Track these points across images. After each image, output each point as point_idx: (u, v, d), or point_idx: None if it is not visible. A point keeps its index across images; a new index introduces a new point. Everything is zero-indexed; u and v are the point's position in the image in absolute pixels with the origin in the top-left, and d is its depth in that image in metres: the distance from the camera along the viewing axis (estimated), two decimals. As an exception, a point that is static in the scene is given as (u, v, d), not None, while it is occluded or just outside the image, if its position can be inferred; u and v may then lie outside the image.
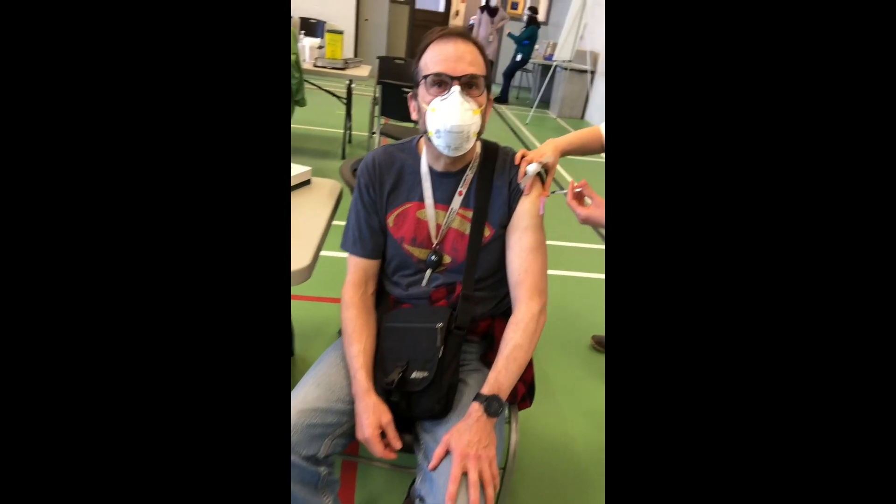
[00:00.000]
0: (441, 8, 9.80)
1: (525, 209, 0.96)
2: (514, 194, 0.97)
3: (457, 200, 0.97)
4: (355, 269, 1.02)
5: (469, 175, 0.97)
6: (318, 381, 0.92)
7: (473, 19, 7.28)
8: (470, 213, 0.97)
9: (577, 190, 0.94)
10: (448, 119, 0.87)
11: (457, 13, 9.84)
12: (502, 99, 7.00)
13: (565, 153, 1.09)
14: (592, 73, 6.37)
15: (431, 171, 0.97)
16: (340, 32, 3.52)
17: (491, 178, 0.98)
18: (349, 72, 3.40)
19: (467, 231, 0.97)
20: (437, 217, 0.97)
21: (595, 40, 6.42)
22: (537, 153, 0.99)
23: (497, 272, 1.00)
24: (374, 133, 4.07)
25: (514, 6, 9.55)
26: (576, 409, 1.68)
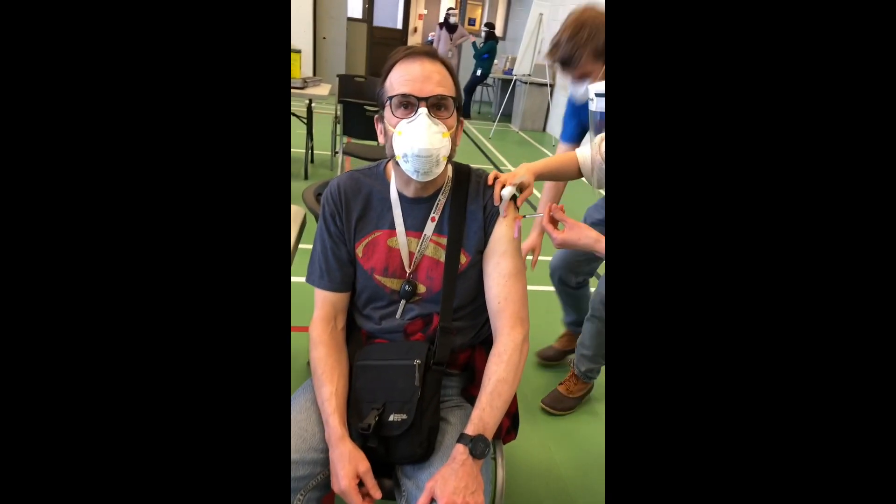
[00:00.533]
0: (399, 25, 9.84)
1: (501, 233, 0.92)
2: (490, 218, 0.93)
3: (430, 227, 0.91)
4: (323, 304, 0.95)
5: (441, 200, 0.92)
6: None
7: (432, 36, 7.32)
8: (444, 240, 0.91)
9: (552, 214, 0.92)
10: (416, 142, 0.82)
11: (415, 30, 9.90)
12: (464, 114, 7.03)
13: (539, 176, 1.06)
14: (552, 86, 6.48)
15: (401, 196, 0.92)
16: (298, 51, 3.45)
17: (465, 202, 0.93)
18: (309, 91, 3.33)
19: (442, 258, 0.91)
20: (410, 245, 0.92)
21: (552, 54, 6.54)
22: (511, 175, 0.95)
23: (475, 300, 0.95)
24: (337, 152, 3.99)
25: (472, 22, 9.68)
26: (557, 431, 1.63)
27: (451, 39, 6.89)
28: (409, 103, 0.83)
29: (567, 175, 1.17)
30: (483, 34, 6.92)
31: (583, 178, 1.17)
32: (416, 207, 0.92)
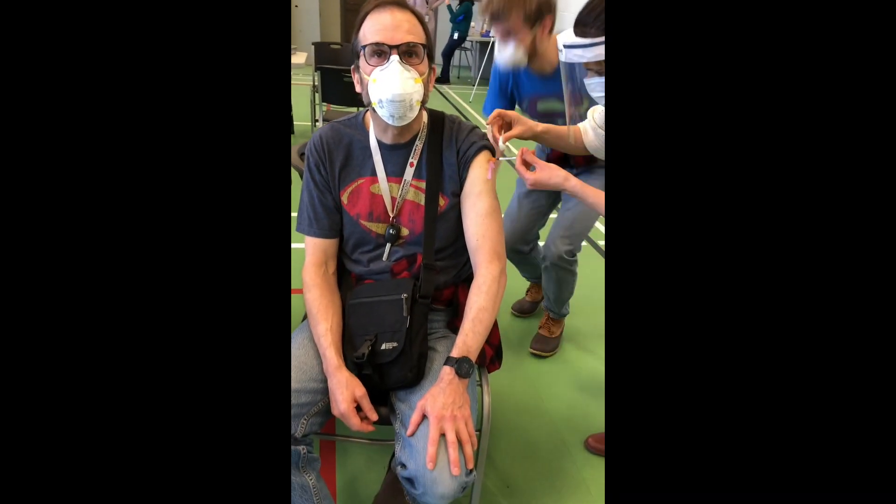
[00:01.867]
0: (373, -10, 9.61)
1: (476, 175, 0.98)
2: (464, 163, 0.99)
3: (409, 172, 0.97)
4: (314, 250, 1.01)
5: (419, 145, 0.98)
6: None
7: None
8: (423, 184, 0.98)
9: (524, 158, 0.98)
10: (389, 88, 0.87)
11: (389, -5, 9.68)
12: (444, 79, 6.97)
13: (539, 135, 1.12)
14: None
15: (380, 144, 0.97)
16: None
17: (440, 147, 0.99)
18: (285, 59, 3.30)
19: (422, 202, 0.98)
20: (392, 190, 0.98)
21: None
22: (512, 133, 1.02)
23: (456, 241, 1.01)
24: (317, 121, 3.98)
25: (447, -15, 9.47)
26: (544, 370, 1.73)
27: (426, 2, 6.79)
28: (381, 52, 0.88)
29: (566, 145, 1.17)
30: (459, -4, 6.82)
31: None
32: (395, 154, 0.98)
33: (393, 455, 1.20)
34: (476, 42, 7.47)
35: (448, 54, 6.97)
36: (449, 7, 6.81)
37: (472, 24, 6.98)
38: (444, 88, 6.68)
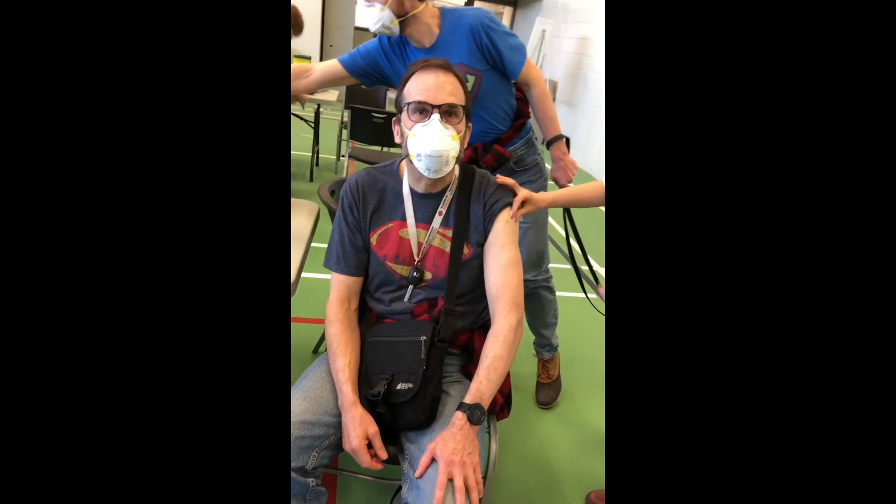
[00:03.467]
0: (405, 35, 10.01)
1: (500, 228, 1.03)
2: (490, 216, 1.04)
3: (437, 220, 1.02)
4: (339, 286, 1.05)
5: (448, 196, 1.03)
6: (305, 395, 0.95)
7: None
8: (450, 232, 1.02)
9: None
10: (428, 144, 0.93)
11: (420, 41, 10.08)
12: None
13: (557, 205, 1.18)
14: (553, 100, 6.63)
15: (413, 192, 1.03)
16: (308, 58, 3.57)
17: (468, 199, 1.04)
18: (317, 97, 3.45)
19: (447, 249, 1.02)
20: (419, 235, 1.02)
21: (554, 69, 6.71)
22: (533, 204, 1.08)
23: (476, 288, 1.05)
24: (343, 156, 4.11)
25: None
26: (548, 418, 1.73)
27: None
28: (423, 109, 0.95)
29: (589, 202, 1.19)
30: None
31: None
32: (426, 202, 1.03)
33: (395, 494, 1.20)
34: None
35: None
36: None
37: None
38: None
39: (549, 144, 1.50)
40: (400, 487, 1.13)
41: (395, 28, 1.32)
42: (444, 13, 1.35)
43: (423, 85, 0.95)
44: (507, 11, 9.44)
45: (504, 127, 1.45)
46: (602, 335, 2.36)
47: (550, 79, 6.62)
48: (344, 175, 3.70)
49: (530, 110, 1.51)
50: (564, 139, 1.48)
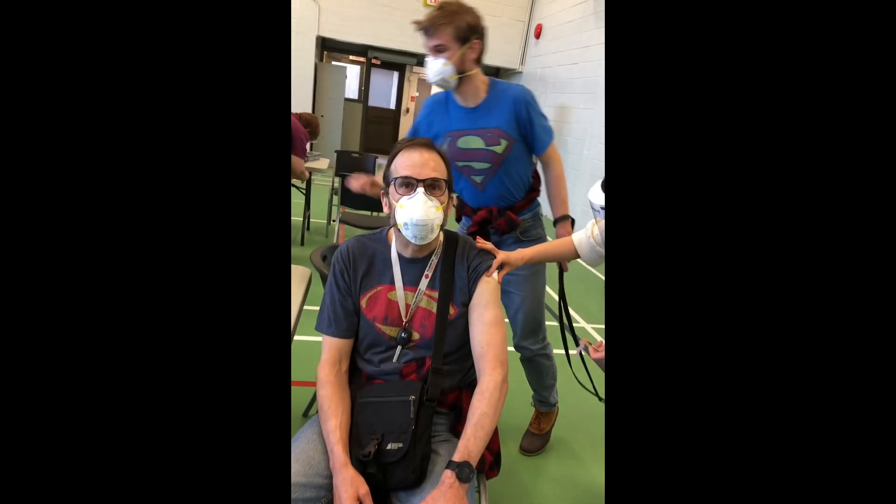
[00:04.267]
0: (392, 105, 10.50)
1: (483, 288, 1.09)
2: (473, 277, 1.10)
3: (424, 282, 1.09)
4: (330, 349, 1.09)
5: (434, 260, 1.10)
6: (297, 457, 0.97)
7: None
8: (436, 294, 1.08)
9: None
10: (414, 214, 1.01)
11: (407, 110, 10.56)
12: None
13: (531, 261, 1.30)
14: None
15: (401, 257, 1.10)
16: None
17: (453, 262, 1.11)
18: (309, 164, 3.60)
19: (434, 309, 1.08)
20: (406, 298, 1.08)
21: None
22: (509, 265, 1.19)
23: (462, 347, 1.10)
24: (334, 220, 4.21)
25: (461, 105, 10.31)
26: (540, 477, 1.72)
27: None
28: (409, 183, 1.03)
29: (561, 257, 1.39)
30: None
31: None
32: (413, 266, 1.10)
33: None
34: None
35: (458, 165, 7.47)
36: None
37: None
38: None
39: (556, 222, 1.64)
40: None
41: (453, 83, 1.48)
42: (493, 83, 1.55)
43: (409, 161, 1.04)
44: (489, 82, 9.98)
45: (519, 196, 1.61)
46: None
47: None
48: (335, 239, 3.78)
49: (542, 187, 1.67)
50: (570, 220, 1.62)
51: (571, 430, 1.96)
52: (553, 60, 6.77)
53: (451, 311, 1.08)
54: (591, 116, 5.56)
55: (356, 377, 1.12)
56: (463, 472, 0.90)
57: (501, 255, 1.15)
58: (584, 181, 5.58)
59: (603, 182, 1.22)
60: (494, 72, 8.93)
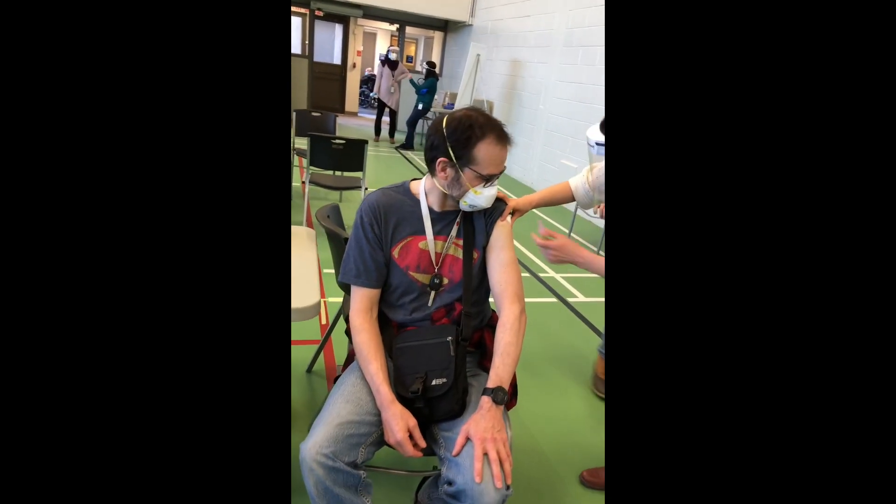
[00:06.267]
0: (338, 61, 10.13)
1: (499, 233, 1.19)
2: (490, 222, 1.20)
3: (454, 229, 1.18)
4: (362, 298, 1.16)
5: (460, 213, 1.19)
6: (347, 399, 1.05)
7: (369, 71, 7.64)
8: (461, 242, 1.17)
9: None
10: (488, 201, 1.13)
11: (353, 65, 10.22)
12: (408, 146, 7.36)
13: (536, 205, 1.43)
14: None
15: (432, 211, 1.18)
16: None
17: (472, 214, 1.20)
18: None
19: (460, 255, 1.17)
20: (437, 246, 1.17)
21: (489, 91, 7.06)
22: (518, 210, 1.31)
23: (479, 287, 1.20)
24: (304, 181, 4.15)
25: (409, 59, 10.12)
26: (535, 413, 1.89)
27: (392, 76, 7.26)
28: (492, 177, 1.11)
29: (560, 201, 1.54)
30: (424, 71, 7.34)
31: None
32: (443, 219, 1.18)
33: (419, 486, 1.31)
34: (438, 113, 7.97)
35: (412, 123, 7.40)
36: (412, 81, 7.31)
37: (436, 97, 7.49)
38: (409, 154, 7.05)
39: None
40: (425, 478, 1.25)
41: None
42: None
43: (499, 159, 1.10)
44: (437, 36, 9.80)
45: None
46: (579, 331, 2.57)
47: (487, 99, 6.96)
48: (303, 201, 3.75)
49: None
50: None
51: (566, 371, 2.12)
52: (504, 13, 6.73)
53: (475, 255, 1.18)
54: (546, 70, 5.64)
55: (386, 327, 1.21)
56: (498, 395, 1.02)
57: (512, 202, 1.26)
58: (541, 135, 5.72)
59: (602, 122, 1.33)
60: (443, 25, 8.78)
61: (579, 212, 4.41)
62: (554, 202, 1.55)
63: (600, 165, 1.45)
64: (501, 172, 1.13)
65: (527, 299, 1.19)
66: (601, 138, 1.34)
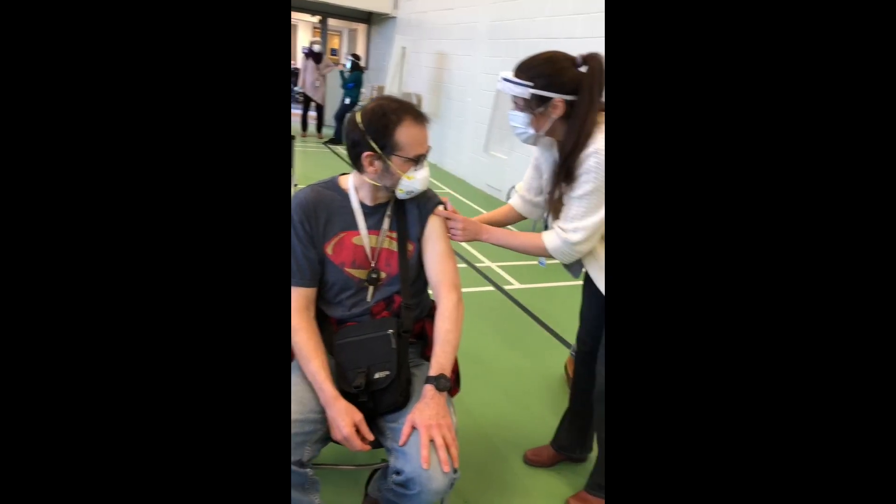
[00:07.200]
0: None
1: (433, 225, 1.21)
2: (424, 214, 1.21)
3: (386, 223, 1.17)
4: (298, 298, 1.14)
5: (391, 205, 1.19)
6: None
7: (298, 65, 7.42)
8: (395, 234, 1.18)
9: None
10: (423, 184, 1.13)
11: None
12: (337, 140, 7.22)
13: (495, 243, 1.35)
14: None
15: (362, 205, 1.17)
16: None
17: (404, 205, 1.21)
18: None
19: (395, 248, 1.18)
20: (371, 241, 1.16)
21: (416, 83, 7.05)
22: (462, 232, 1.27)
23: (417, 279, 1.22)
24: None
25: (334, 52, 9.89)
26: (481, 401, 1.94)
27: (317, 69, 7.07)
28: (419, 159, 1.11)
29: (511, 220, 1.49)
30: (349, 64, 7.20)
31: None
32: (375, 212, 1.17)
33: (369, 480, 1.31)
34: (366, 106, 7.85)
35: (340, 117, 7.26)
36: (341, 73, 7.16)
37: (363, 90, 7.38)
38: (338, 149, 6.92)
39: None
40: (375, 471, 1.26)
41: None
42: None
43: (420, 138, 1.10)
44: (361, 28, 9.64)
45: None
46: (516, 316, 2.64)
47: (415, 93, 6.95)
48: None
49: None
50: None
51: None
52: (428, 5, 6.73)
53: (410, 247, 1.19)
54: (472, 62, 5.71)
55: (325, 324, 1.19)
56: (440, 382, 1.04)
57: (462, 220, 1.27)
58: (471, 127, 5.79)
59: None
60: (366, 17, 8.65)
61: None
62: (507, 222, 1.49)
63: (528, 172, 1.45)
64: (428, 151, 1.14)
65: (464, 289, 1.21)
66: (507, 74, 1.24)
